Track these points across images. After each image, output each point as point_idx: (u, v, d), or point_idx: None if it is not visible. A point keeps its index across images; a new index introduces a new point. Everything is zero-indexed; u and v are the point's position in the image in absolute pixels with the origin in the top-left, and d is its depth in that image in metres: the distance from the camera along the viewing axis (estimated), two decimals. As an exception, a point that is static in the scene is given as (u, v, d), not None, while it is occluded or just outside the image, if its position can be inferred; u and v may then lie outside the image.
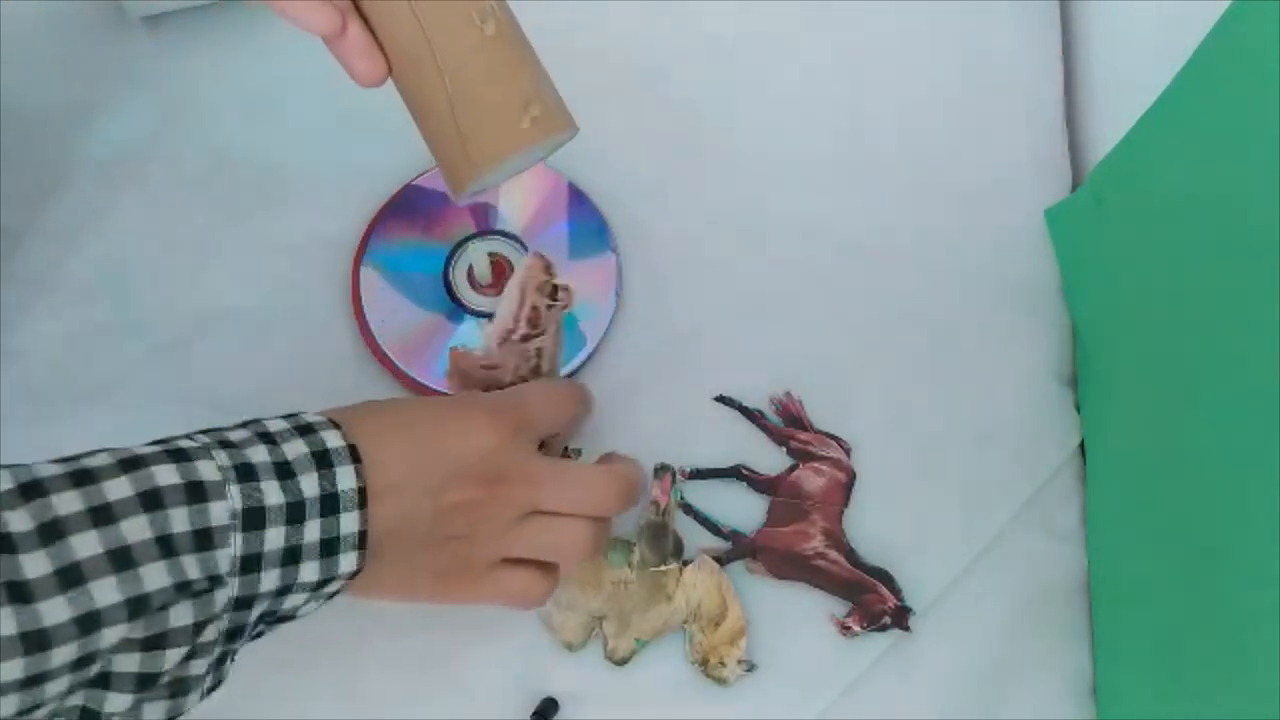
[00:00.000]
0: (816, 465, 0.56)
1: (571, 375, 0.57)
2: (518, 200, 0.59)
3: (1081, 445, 0.58)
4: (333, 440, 0.40)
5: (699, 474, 0.56)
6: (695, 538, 0.55)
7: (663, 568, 0.53)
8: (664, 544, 0.54)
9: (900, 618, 0.54)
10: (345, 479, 0.40)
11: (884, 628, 0.54)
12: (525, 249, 0.58)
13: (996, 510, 0.56)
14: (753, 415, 0.57)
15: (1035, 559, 0.56)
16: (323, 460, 0.39)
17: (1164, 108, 0.49)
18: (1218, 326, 0.46)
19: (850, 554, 0.55)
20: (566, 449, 0.55)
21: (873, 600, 0.54)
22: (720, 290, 0.59)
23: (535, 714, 0.51)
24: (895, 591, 0.54)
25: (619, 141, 0.61)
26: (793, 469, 0.56)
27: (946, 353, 0.59)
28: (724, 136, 0.62)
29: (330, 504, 0.39)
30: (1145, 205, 0.53)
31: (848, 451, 0.57)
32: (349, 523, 0.40)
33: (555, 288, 0.50)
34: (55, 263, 0.57)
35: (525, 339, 0.50)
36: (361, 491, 0.40)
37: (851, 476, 0.56)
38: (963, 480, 0.57)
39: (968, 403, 0.58)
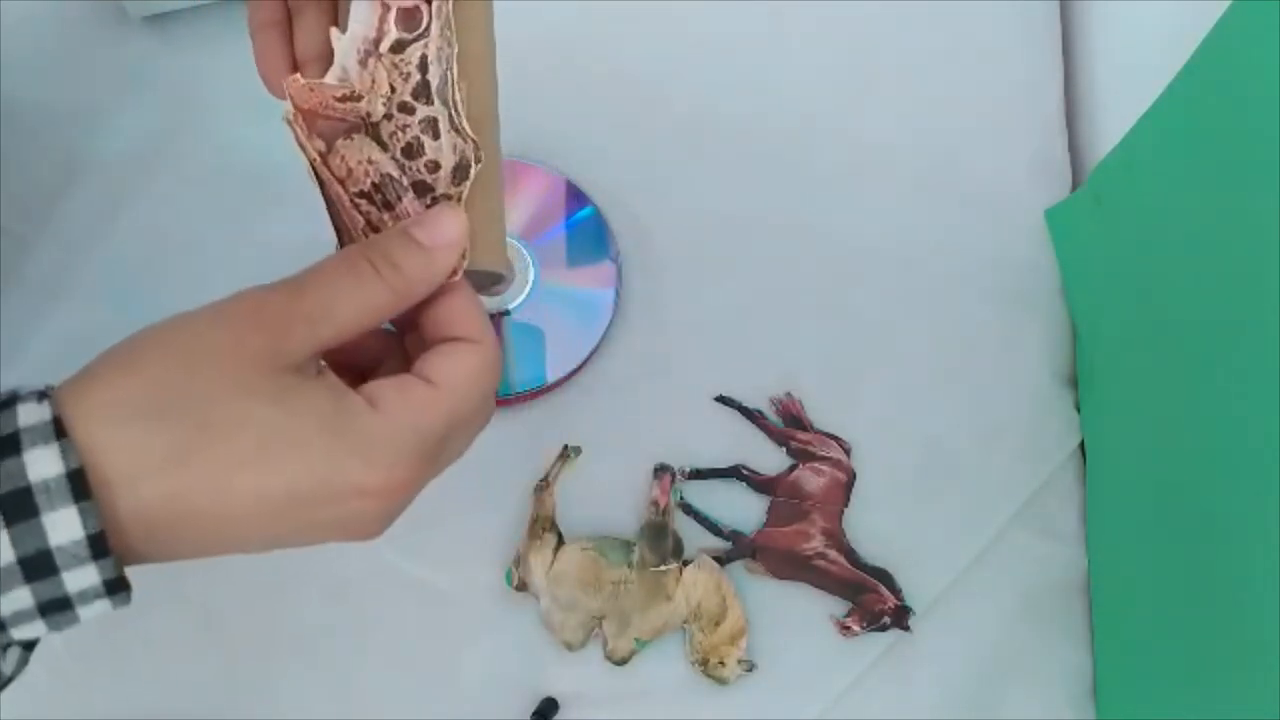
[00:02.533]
0: (816, 465, 0.56)
1: (571, 375, 0.57)
2: (517, 200, 0.59)
3: (1081, 445, 0.58)
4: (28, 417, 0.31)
5: (699, 474, 0.56)
6: (695, 538, 0.55)
7: (663, 568, 0.53)
8: (664, 544, 0.54)
9: (900, 618, 0.54)
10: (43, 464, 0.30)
11: (884, 628, 0.54)
12: (526, 250, 0.58)
13: (996, 510, 0.56)
14: (753, 415, 0.57)
15: (1035, 559, 0.56)
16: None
17: (1164, 108, 0.49)
18: (1218, 326, 0.46)
19: (850, 554, 0.55)
20: (566, 448, 0.56)
21: (873, 600, 0.54)
22: (720, 290, 0.59)
23: (535, 714, 0.51)
24: (895, 591, 0.54)
25: (619, 141, 0.61)
26: (793, 469, 0.56)
27: (946, 353, 0.59)
28: (724, 136, 0.62)
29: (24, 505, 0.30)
30: (1145, 205, 0.53)
31: (848, 451, 0.57)
32: (65, 523, 0.30)
33: None
34: (57, 263, 0.57)
35: (398, 48, 0.36)
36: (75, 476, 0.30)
37: (851, 476, 0.56)
38: (963, 480, 0.57)
39: (967, 403, 0.58)
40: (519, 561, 0.53)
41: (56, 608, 0.32)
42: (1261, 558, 0.41)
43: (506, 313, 0.57)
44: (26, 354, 0.56)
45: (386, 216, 0.37)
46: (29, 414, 0.30)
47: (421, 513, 0.54)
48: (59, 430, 0.30)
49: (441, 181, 0.37)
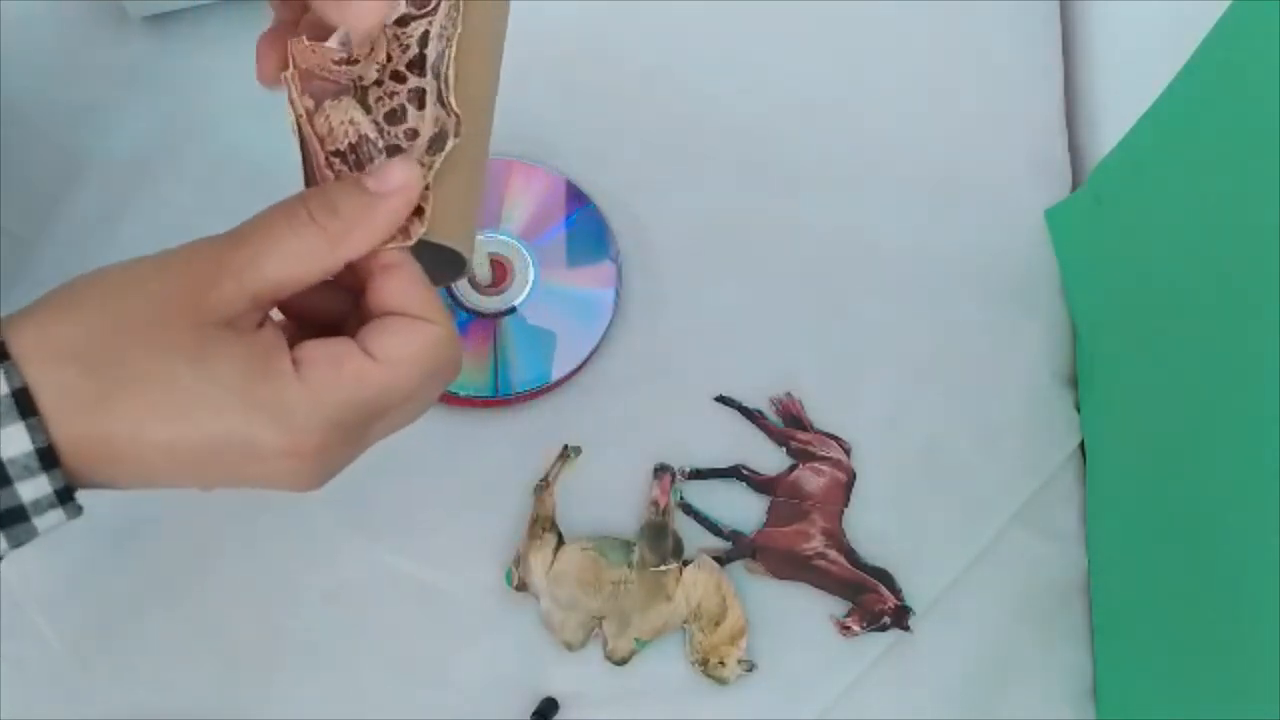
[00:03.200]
0: (816, 465, 0.56)
1: (571, 375, 0.57)
2: (517, 200, 0.59)
3: (1081, 445, 0.58)
4: None
5: (699, 474, 0.56)
6: (695, 538, 0.55)
7: (663, 568, 0.53)
8: (664, 544, 0.54)
9: (900, 618, 0.54)
10: None
11: (884, 628, 0.54)
12: (525, 250, 0.58)
13: (996, 510, 0.56)
14: (753, 415, 0.57)
15: (1035, 559, 0.56)
16: None
17: (1164, 108, 0.49)
18: (1218, 326, 0.46)
19: (850, 554, 0.55)
20: (566, 448, 0.56)
21: (873, 600, 0.54)
22: (720, 290, 0.59)
23: (535, 714, 0.51)
24: (895, 591, 0.54)
25: (619, 141, 0.61)
26: (793, 469, 0.56)
27: (946, 353, 0.59)
28: (724, 137, 0.62)
29: None
30: (1145, 205, 0.53)
31: (848, 451, 0.57)
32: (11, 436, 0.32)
33: None
34: (58, 263, 0.57)
35: (403, 21, 0.37)
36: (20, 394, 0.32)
37: (851, 476, 0.56)
38: (963, 480, 0.57)
39: (967, 403, 0.58)
40: (519, 561, 0.53)
41: (13, 519, 0.33)
42: (1261, 558, 0.41)
43: (508, 312, 0.57)
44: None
45: (358, 175, 0.37)
46: None
47: (421, 513, 0.54)
48: (2, 354, 0.32)
49: (416, 149, 0.37)
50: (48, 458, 0.32)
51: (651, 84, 0.62)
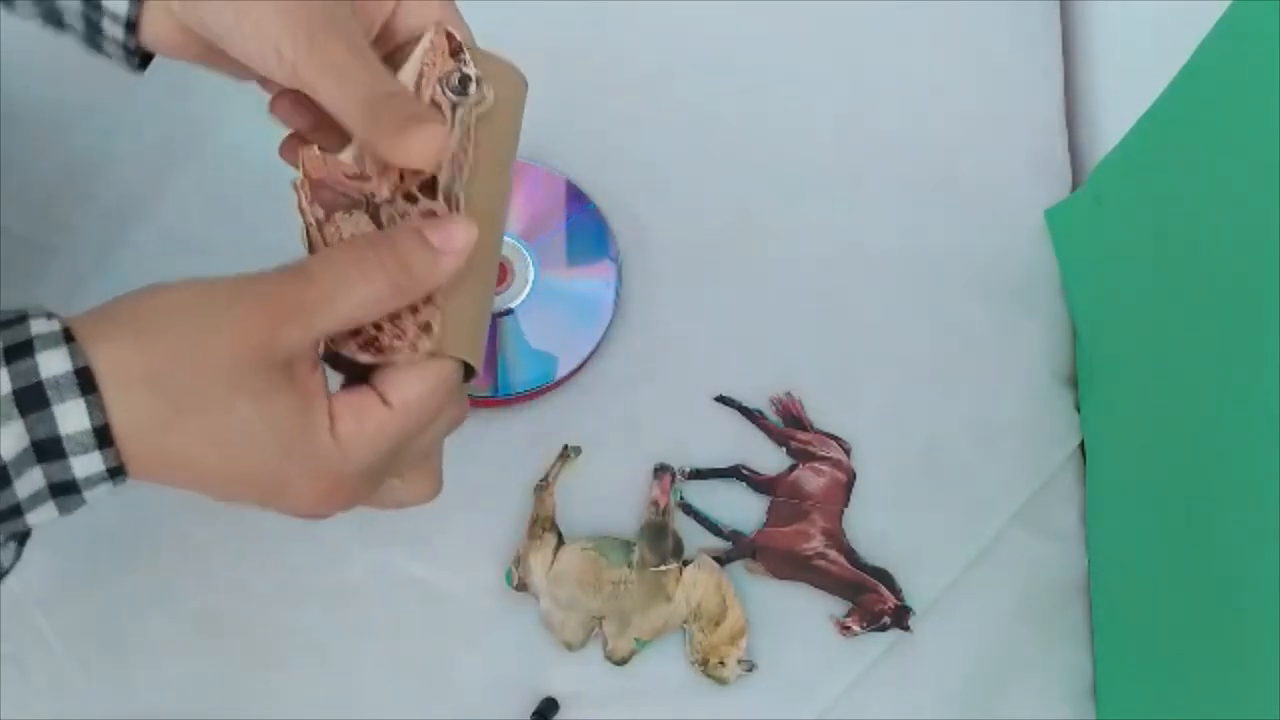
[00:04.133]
0: (816, 465, 0.56)
1: (571, 375, 0.57)
2: (518, 201, 0.59)
3: (1081, 445, 0.58)
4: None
5: (699, 474, 0.56)
6: (695, 538, 0.55)
7: (663, 568, 0.53)
8: (664, 544, 0.54)
9: (900, 618, 0.54)
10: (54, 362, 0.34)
11: (884, 628, 0.54)
12: (525, 250, 0.58)
13: (996, 510, 0.56)
14: (753, 415, 0.57)
15: (1035, 559, 0.56)
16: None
17: (1164, 108, 0.49)
18: (1218, 326, 0.46)
19: (850, 554, 0.55)
20: (566, 448, 0.56)
21: (873, 600, 0.54)
22: (720, 290, 0.59)
23: (535, 714, 0.51)
24: (895, 591, 0.54)
25: (619, 141, 0.61)
26: (793, 469, 0.56)
27: (946, 353, 0.59)
28: (724, 137, 0.62)
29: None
30: (1145, 205, 0.53)
31: (848, 451, 0.57)
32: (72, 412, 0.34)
33: (464, 78, 0.39)
34: (58, 263, 0.57)
35: None
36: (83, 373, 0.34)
37: (851, 476, 0.56)
38: (963, 480, 0.57)
39: (968, 403, 0.58)
40: (519, 561, 0.53)
41: (64, 490, 0.35)
42: (1261, 558, 0.41)
43: (508, 312, 0.57)
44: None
45: None
46: (39, 326, 0.34)
47: (422, 513, 0.54)
48: (68, 337, 0.34)
49: None
50: (104, 436, 0.34)
51: (652, 84, 0.62)
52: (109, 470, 0.35)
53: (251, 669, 0.52)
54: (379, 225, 0.38)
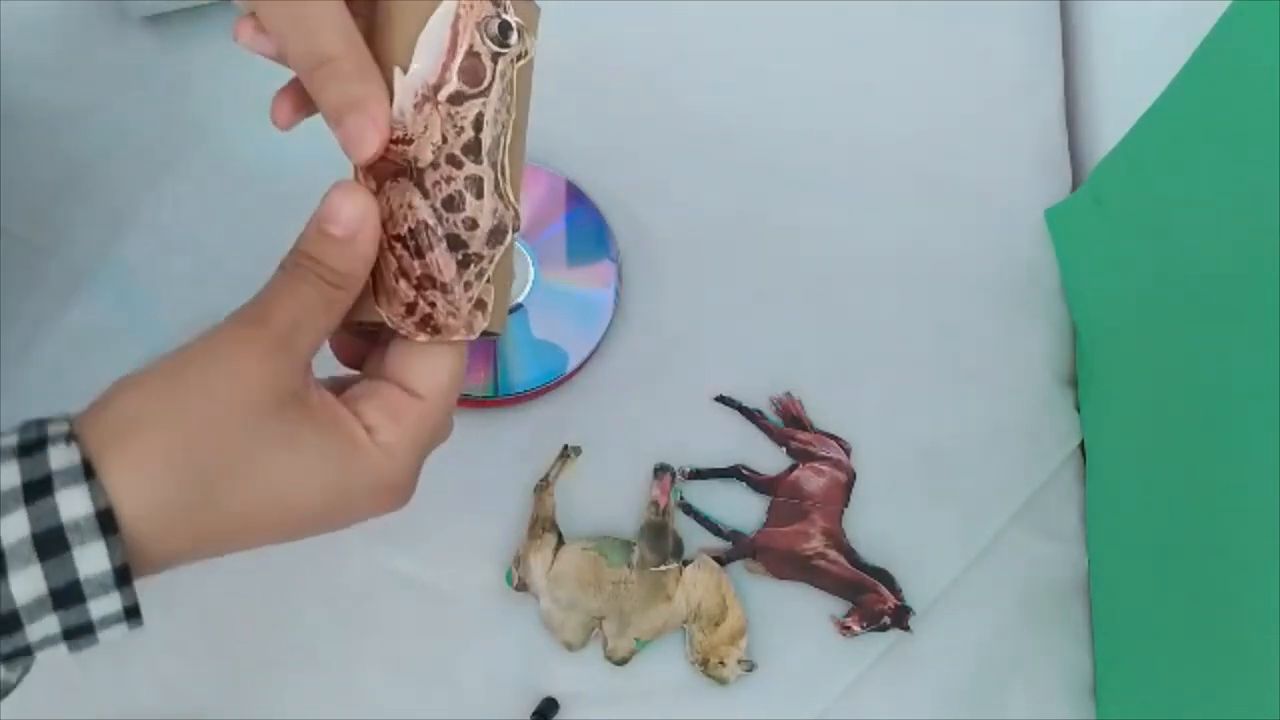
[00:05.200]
0: (816, 465, 0.56)
1: (571, 375, 0.57)
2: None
3: (1081, 445, 0.58)
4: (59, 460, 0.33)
5: (699, 474, 0.56)
6: (695, 538, 0.55)
7: (663, 568, 0.53)
8: (664, 544, 0.54)
9: (900, 618, 0.54)
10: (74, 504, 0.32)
11: (884, 628, 0.54)
12: (526, 250, 0.58)
13: (996, 510, 0.56)
14: (753, 415, 0.57)
15: (1035, 559, 0.56)
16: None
17: (1164, 108, 0.49)
18: (1217, 326, 0.46)
19: (850, 554, 0.55)
20: (566, 448, 0.56)
21: (873, 600, 0.54)
22: (720, 290, 0.59)
23: (535, 714, 0.51)
24: (895, 591, 0.54)
25: (619, 141, 0.61)
26: (793, 469, 0.56)
27: (946, 353, 0.59)
28: (724, 136, 0.62)
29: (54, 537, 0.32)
30: (1145, 205, 0.53)
31: (848, 451, 0.57)
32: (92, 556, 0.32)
33: (504, 25, 0.36)
34: (58, 263, 0.57)
35: (456, 99, 0.36)
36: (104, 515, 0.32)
37: (851, 476, 0.56)
38: (963, 480, 0.57)
39: (968, 403, 0.58)
40: (519, 561, 0.53)
41: (79, 633, 0.34)
42: (1261, 558, 0.41)
43: (511, 310, 0.57)
44: (30, 354, 0.56)
45: (416, 264, 0.37)
46: (59, 457, 0.32)
47: (421, 513, 0.54)
48: (88, 471, 0.32)
49: (476, 240, 0.37)
50: (123, 575, 0.33)
51: (652, 84, 0.62)
52: (125, 610, 0.34)
53: (251, 669, 0.52)
54: (425, 193, 0.36)
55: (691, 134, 0.62)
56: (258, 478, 0.35)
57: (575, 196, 0.59)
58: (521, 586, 0.53)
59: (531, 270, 0.57)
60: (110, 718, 0.50)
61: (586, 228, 0.59)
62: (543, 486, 0.55)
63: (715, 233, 0.60)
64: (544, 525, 0.54)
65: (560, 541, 0.54)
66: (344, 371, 0.40)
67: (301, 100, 0.38)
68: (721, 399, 0.57)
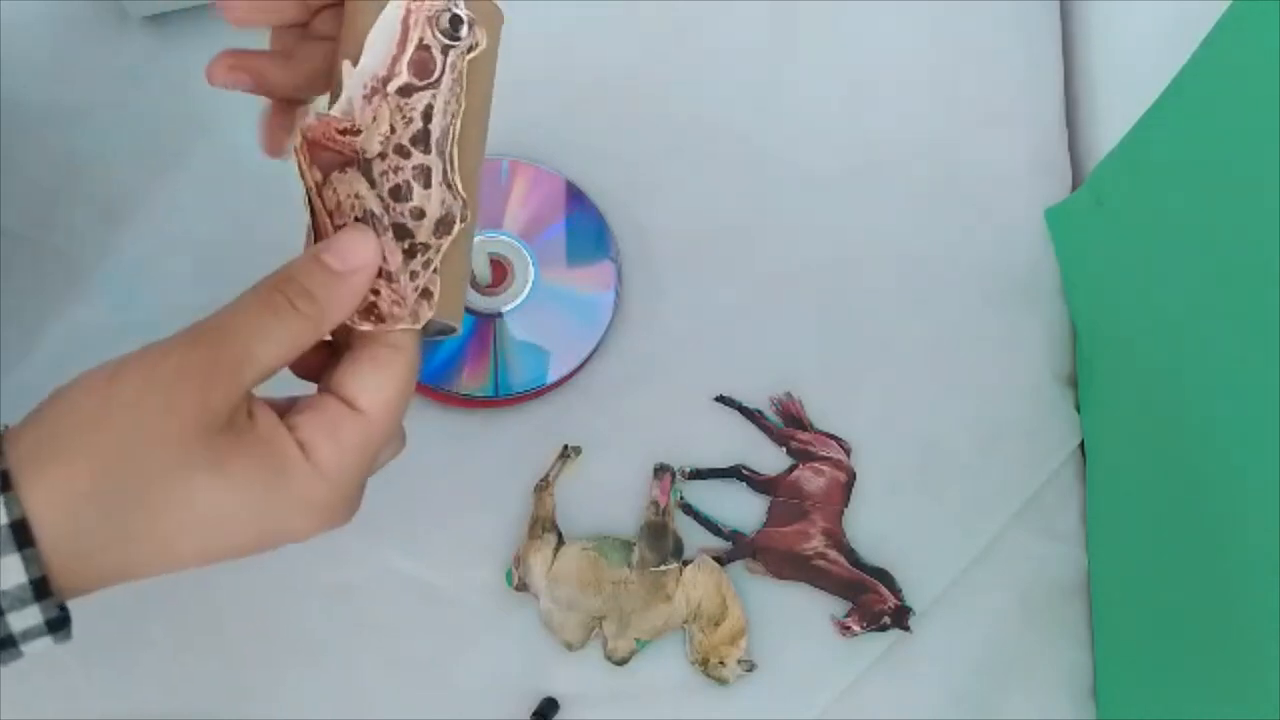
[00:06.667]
0: (816, 465, 0.56)
1: (571, 375, 0.57)
2: (518, 200, 0.59)
3: (1081, 445, 0.58)
4: None
5: (699, 474, 0.56)
6: (695, 538, 0.55)
7: (663, 568, 0.53)
8: (664, 544, 0.54)
9: (900, 618, 0.54)
10: None
11: (884, 628, 0.54)
12: (525, 250, 0.58)
13: (996, 510, 0.56)
14: (753, 415, 0.57)
15: (1035, 559, 0.56)
16: None
17: (1164, 108, 0.49)
18: (1218, 326, 0.46)
19: (850, 554, 0.55)
20: (566, 448, 0.56)
21: (873, 600, 0.54)
22: (720, 290, 0.59)
23: (535, 714, 0.51)
24: (895, 591, 0.54)
25: (619, 142, 0.61)
26: (793, 469, 0.56)
27: (946, 353, 0.59)
28: (724, 136, 0.62)
29: None
30: (1145, 205, 0.53)
31: (848, 451, 0.57)
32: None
33: (455, 18, 0.37)
34: (58, 263, 0.57)
35: (406, 91, 0.37)
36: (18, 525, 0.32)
37: (851, 476, 0.56)
38: (963, 480, 0.57)
39: (968, 403, 0.58)
40: (519, 561, 0.53)
41: (1, 646, 0.33)
42: (1261, 558, 0.41)
43: (511, 310, 0.57)
44: (29, 354, 0.56)
45: None
46: None
47: (421, 513, 0.54)
48: (5, 483, 0.32)
49: (423, 230, 0.37)
50: (41, 588, 0.32)
51: (651, 84, 0.62)
52: (47, 623, 0.33)
53: (251, 669, 0.52)
54: (372, 183, 0.37)
55: (692, 134, 0.62)
56: (179, 506, 0.34)
57: (575, 196, 0.59)
58: (521, 586, 0.53)
59: (531, 270, 0.57)
60: (110, 718, 0.50)
61: (586, 228, 0.59)
62: (543, 486, 0.55)
63: (715, 233, 0.60)
64: (544, 525, 0.54)
65: (560, 541, 0.54)
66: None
67: (288, 119, 0.39)
68: (721, 399, 0.57)
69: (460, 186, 0.37)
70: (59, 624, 0.34)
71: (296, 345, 0.35)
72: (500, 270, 0.58)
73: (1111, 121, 0.60)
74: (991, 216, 0.61)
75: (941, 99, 0.63)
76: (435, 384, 0.55)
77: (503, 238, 0.58)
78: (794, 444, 0.57)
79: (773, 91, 0.63)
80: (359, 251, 0.36)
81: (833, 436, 0.57)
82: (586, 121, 0.61)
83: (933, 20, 0.65)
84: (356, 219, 0.37)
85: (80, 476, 0.33)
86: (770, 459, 0.57)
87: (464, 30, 0.37)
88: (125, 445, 0.33)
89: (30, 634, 0.33)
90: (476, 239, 0.57)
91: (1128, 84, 0.59)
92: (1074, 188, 0.62)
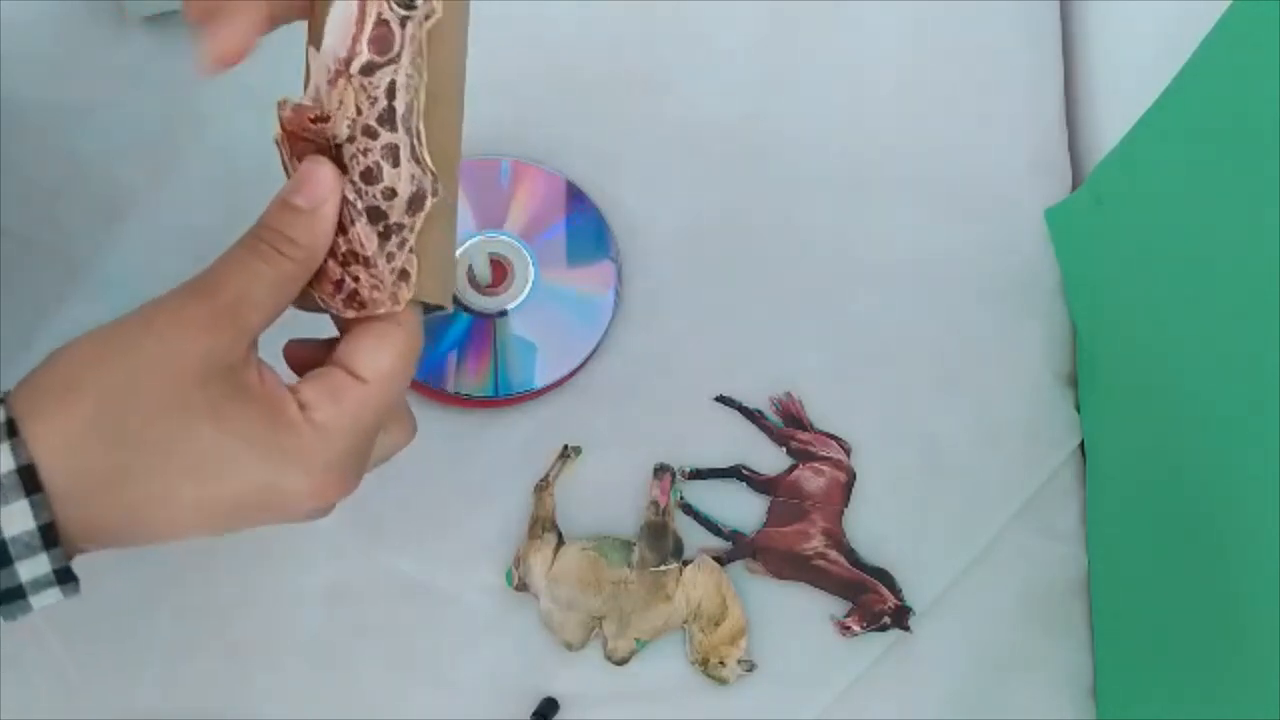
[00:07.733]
0: (816, 465, 0.56)
1: (572, 375, 0.57)
2: (518, 200, 0.59)
3: (1081, 445, 0.58)
4: None
5: (699, 474, 0.56)
6: (695, 538, 0.55)
7: (663, 568, 0.53)
8: (664, 544, 0.54)
9: (900, 618, 0.54)
10: None
11: (884, 628, 0.54)
12: (525, 250, 0.58)
13: (996, 510, 0.56)
14: (753, 415, 0.57)
15: (1035, 559, 0.56)
16: None
17: (1164, 108, 0.49)
18: (1218, 326, 0.46)
19: (850, 554, 0.55)
20: (566, 448, 0.56)
21: (873, 600, 0.54)
22: (720, 290, 0.59)
23: (535, 714, 0.51)
24: (895, 591, 0.54)
25: (620, 142, 0.61)
26: (793, 469, 0.56)
27: (946, 353, 0.59)
28: (724, 136, 0.62)
29: None
30: (1145, 205, 0.53)
31: (848, 451, 0.57)
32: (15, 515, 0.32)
33: None
34: (58, 263, 0.57)
35: (368, 70, 0.36)
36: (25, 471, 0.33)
37: (851, 476, 0.56)
38: (963, 480, 0.57)
39: (968, 403, 0.58)
40: (519, 561, 0.53)
41: (10, 597, 0.33)
42: (1261, 558, 0.41)
43: (511, 310, 0.57)
44: (29, 354, 0.55)
45: (341, 241, 0.37)
46: None
47: (421, 513, 0.54)
48: (11, 429, 0.32)
49: (396, 209, 0.37)
50: (49, 535, 0.33)
51: (652, 84, 0.62)
52: (56, 573, 0.33)
53: (251, 669, 0.52)
54: (343, 168, 0.37)
55: (692, 134, 0.62)
56: (178, 447, 0.34)
57: (575, 196, 0.59)
58: (521, 586, 0.53)
59: (531, 270, 0.57)
60: (110, 718, 0.50)
61: (586, 228, 0.59)
62: (543, 486, 0.55)
63: (715, 233, 0.60)
64: (544, 525, 0.54)
65: (560, 541, 0.54)
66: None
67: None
68: (721, 399, 0.57)
69: (429, 161, 0.37)
70: (66, 575, 0.34)
71: (290, 284, 0.36)
72: (500, 270, 0.58)
73: (1111, 121, 0.60)
74: (991, 216, 0.61)
75: (942, 99, 0.63)
76: (435, 384, 0.55)
77: (503, 238, 0.58)
78: (794, 444, 0.57)
79: (773, 91, 0.63)
80: (321, 183, 0.36)
81: (833, 436, 0.57)
82: (587, 122, 0.61)
83: (933, 20, 0.65)
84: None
85: (81, 414, 0.33)
86: (770, 459, 0.56)
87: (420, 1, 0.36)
88: (125, 385, 0.34)
89: (39, 584, 0.34)
90: (477, 239, 0.58)
91: (1128, 84, 0.59)
92: (1074, 188, 0.62)
